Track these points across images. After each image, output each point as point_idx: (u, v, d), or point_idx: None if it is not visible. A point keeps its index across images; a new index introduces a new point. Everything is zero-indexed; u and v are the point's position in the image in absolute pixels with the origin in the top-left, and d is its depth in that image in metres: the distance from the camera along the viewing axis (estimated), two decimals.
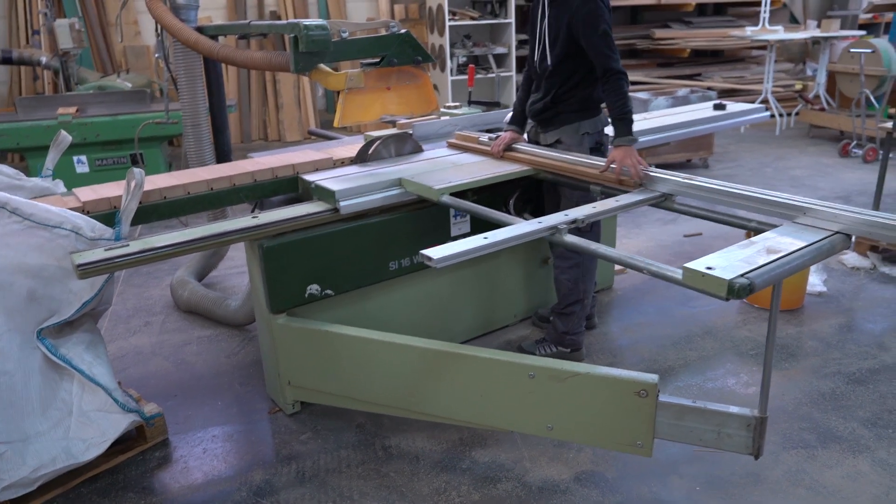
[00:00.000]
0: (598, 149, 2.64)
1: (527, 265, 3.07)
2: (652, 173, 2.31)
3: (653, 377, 1.89)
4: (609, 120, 2.57)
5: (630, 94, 2.48)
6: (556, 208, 2.70)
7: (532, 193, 2.80)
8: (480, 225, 2.66)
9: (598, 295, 3.39)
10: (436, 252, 1.76)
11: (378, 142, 2.81)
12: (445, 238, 2.60)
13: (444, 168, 2.60)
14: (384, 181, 2.44)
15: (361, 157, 2.78)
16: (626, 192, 2.31)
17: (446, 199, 2.31)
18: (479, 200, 2.54)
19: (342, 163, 2.75)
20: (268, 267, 2.30)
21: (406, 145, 2.89)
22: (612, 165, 2.38)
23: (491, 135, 2.86)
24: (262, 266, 2.31)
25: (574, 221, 2.00)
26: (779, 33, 7.07)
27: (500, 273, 2.99)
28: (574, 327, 2.79)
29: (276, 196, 2.63)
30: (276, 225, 2.28)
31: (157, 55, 3.25)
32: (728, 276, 1.53)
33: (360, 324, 2.54)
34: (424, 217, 2.56)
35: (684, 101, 5.58)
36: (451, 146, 2.98)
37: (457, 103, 3.44)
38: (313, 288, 2.39)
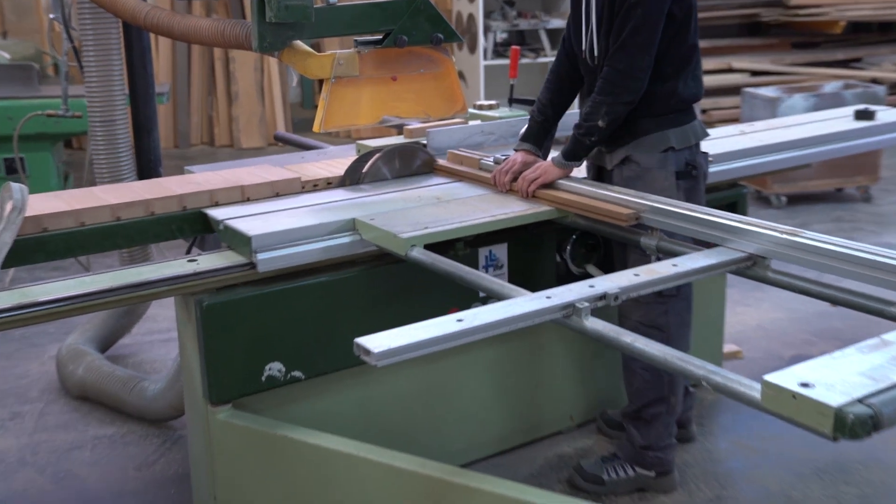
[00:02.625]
0: (688, 174, 2.68)
1: (588, 341, 3.10)
2: (731, 222, 2.28)
3: None
4: (700, 128, 2.67)
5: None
6: (627, 263, 2.73)
7: (598, 238, 2.85)
8: (526, 276, 2.71)
9: (697, 391, 3.41)
10: (377, 341, 1.70)
11: (377, 156, 2.89)
12: (472, 297, 2.65)
13: (422, 204, 2.64)
14: (332, 223, 2.48)
15: (353, 178, 2.86)
16: (695, 248, 2.30)
17: (417, 254, 2.33)
18: (511, 249, 2.57)
19: (314, 186, 2.82)
20: (208, 334, 2.35)
21: (416, 161, 2.97)
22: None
23: (501, 155, 2.88)
24: (199, 333, 2.37)
25: (603, 297, 2.00)
26: None
27: (546, 353, 3.01)
28: (658, 439, 2.80)
29: None
30: (223, 274, 2.34)
31: (52, 15, 3.37)
32: (835, 400, 1.41)
33: (340, 424, 2.57)
34: None
35: (835, 100, 5.65)
36: (440, 170, 3.02)
37: (492, 101, 3.50)
38: (274, 368, 2.44)
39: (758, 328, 4.06)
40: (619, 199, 2.52)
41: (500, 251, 2.75)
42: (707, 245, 2.32)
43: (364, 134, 6.80)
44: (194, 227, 2.61)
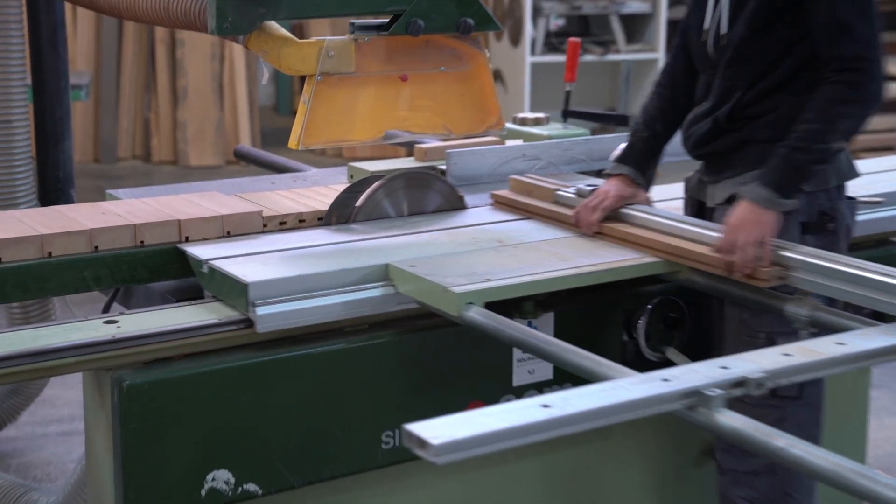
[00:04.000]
0: (821, 227, 2.67)
1: (662, 458, 3.08)
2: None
3: None
4: (847, 165, 2.67)
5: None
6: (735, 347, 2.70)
7: (683, 310, 2.85)
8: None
9: None
10: (435, 430, 1.69)
11: (378, 184, 2.89)
12: (504, 387, 2.65)
13: (479, 248, 2.68)
14: (358, 269, 2.50)
15: (339, 214, 2.88)
16: (864, 322, 2.27)
17: (475, 315, 2.34)
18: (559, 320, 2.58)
19: (281, 224, 2.84)
20: (129, 427, 2.33)
21: (430, 195, 2.98)
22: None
23: (586, 185, 2.91)
24: (116, 425, 2.35)
25: (741, 383, 2.00)
26: None
27: (601, 472, 3.00)
28: None
29: (155, 281, 2.72)
30: (153, 341, 2.34)
31: None
32: None
33: None
34: (451, 343, 2.60)
35: None
36: (500, 204, 3.07)
37: (539, 114, 3.54)
38: (219, 478, 2.42)
39: None
40: None
41: (544, 324, 2.73)
42: (876, 318, 2.31)
43: (360, 153, 6.86)
44: (116, 274, 2.62)
